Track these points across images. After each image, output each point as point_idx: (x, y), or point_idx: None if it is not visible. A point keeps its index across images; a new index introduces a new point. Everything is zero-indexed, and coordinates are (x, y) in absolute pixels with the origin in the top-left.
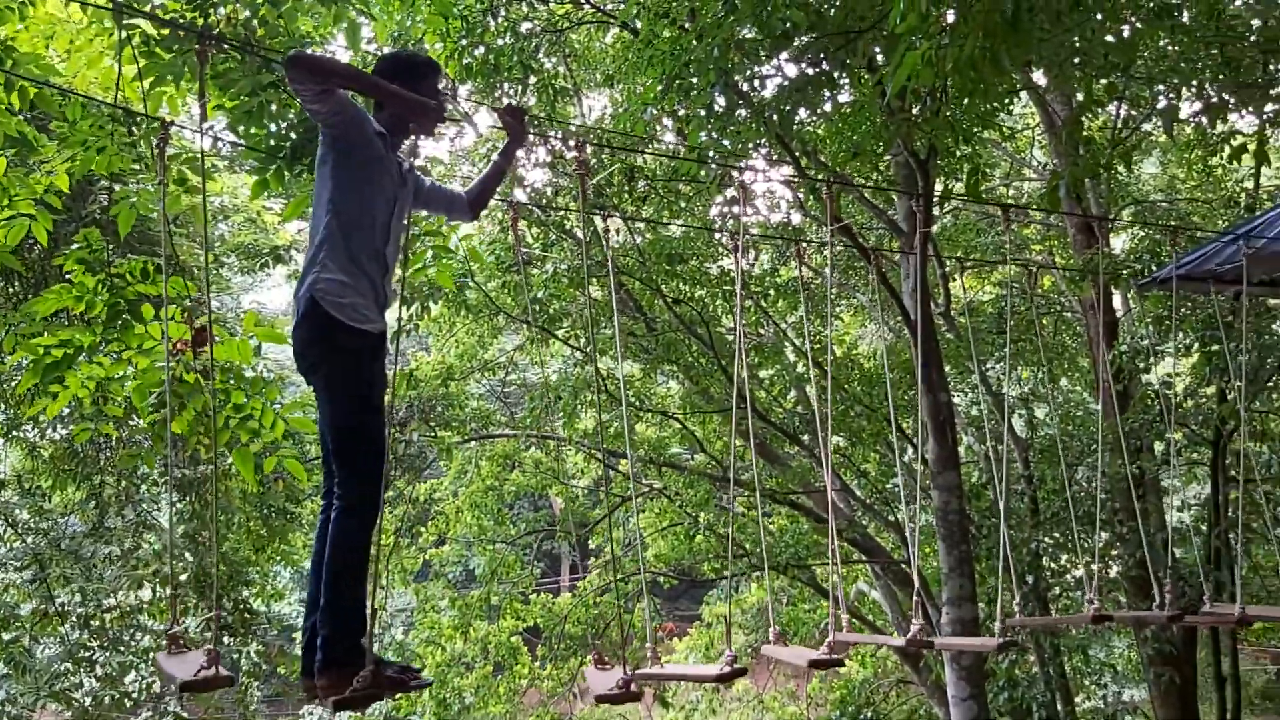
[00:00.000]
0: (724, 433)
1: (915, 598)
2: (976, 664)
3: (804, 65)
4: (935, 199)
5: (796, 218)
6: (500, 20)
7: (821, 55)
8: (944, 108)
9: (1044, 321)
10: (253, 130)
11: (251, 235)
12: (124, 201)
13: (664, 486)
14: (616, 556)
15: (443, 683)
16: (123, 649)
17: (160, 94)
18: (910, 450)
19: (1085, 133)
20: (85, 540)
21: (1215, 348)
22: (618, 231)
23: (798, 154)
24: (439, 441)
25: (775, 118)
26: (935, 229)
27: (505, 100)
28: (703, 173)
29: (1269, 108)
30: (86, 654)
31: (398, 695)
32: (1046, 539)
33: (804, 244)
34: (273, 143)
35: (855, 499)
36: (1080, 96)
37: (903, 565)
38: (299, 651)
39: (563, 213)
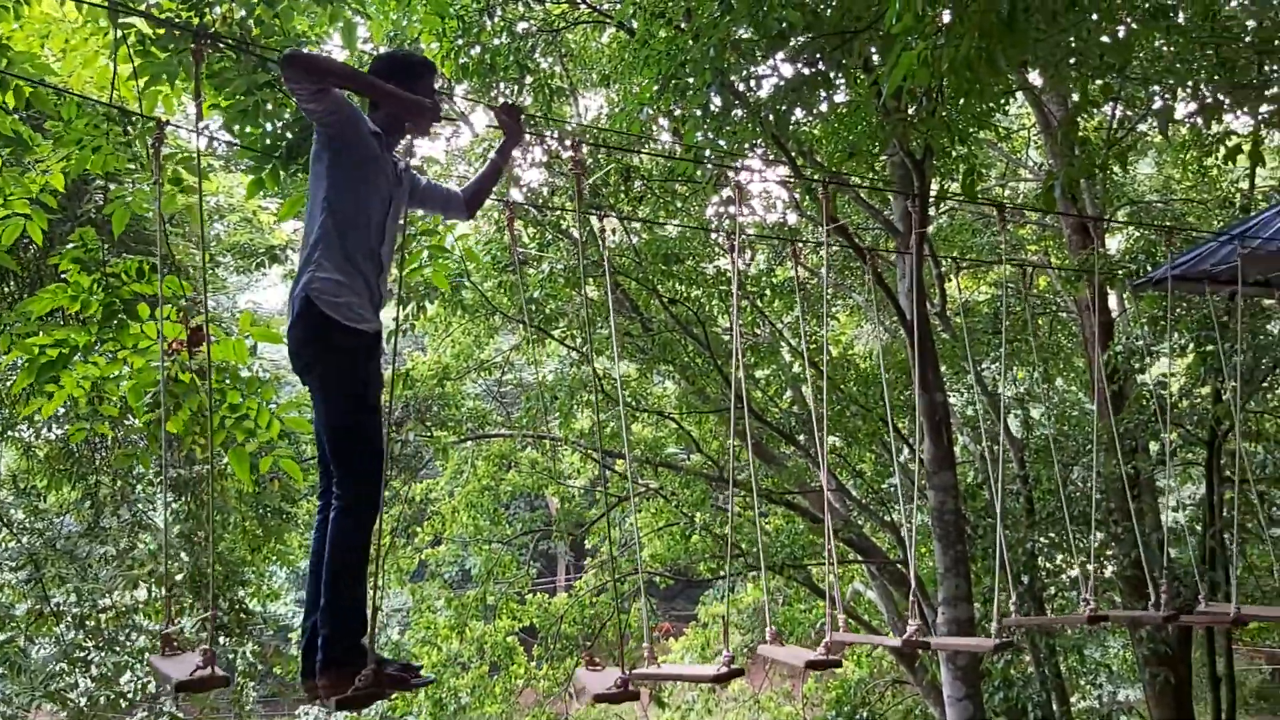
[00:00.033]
0: (720, 433)
1: (911, 598)
2: (972, 664)
3: (800, 65)
4: (931, 199)
5: (792, 218)
6: (496, 20)
7: (817, 55)
8: (940, 108)
9: (1039, 322)
10: (248, 129)
11: (247, 235)
12: (119, 201)
13: (660, 486)
14: (613, 556)
15: (439, 683)
16: (118, 649)
17: (155, 93)
18: (906, 450)
19: (1081, 133)
20: (80, 540)
21: (1210, 348)
22: (614, 231)
23: (793, 154)
24: (435, 441)
25: (771, 118)
26: (931, 229)
27: (501, 100)
28: (699, 173)
29: (1264, 108)
30: (82, 654)
31: (397, 694)
32: (1042, 539)
33: (800, 244)
34: (268, 142)
35: (851, 499)
36: (1076, 97)
37: (899, 565)
38: (295, 652)
39: (559, 212)
